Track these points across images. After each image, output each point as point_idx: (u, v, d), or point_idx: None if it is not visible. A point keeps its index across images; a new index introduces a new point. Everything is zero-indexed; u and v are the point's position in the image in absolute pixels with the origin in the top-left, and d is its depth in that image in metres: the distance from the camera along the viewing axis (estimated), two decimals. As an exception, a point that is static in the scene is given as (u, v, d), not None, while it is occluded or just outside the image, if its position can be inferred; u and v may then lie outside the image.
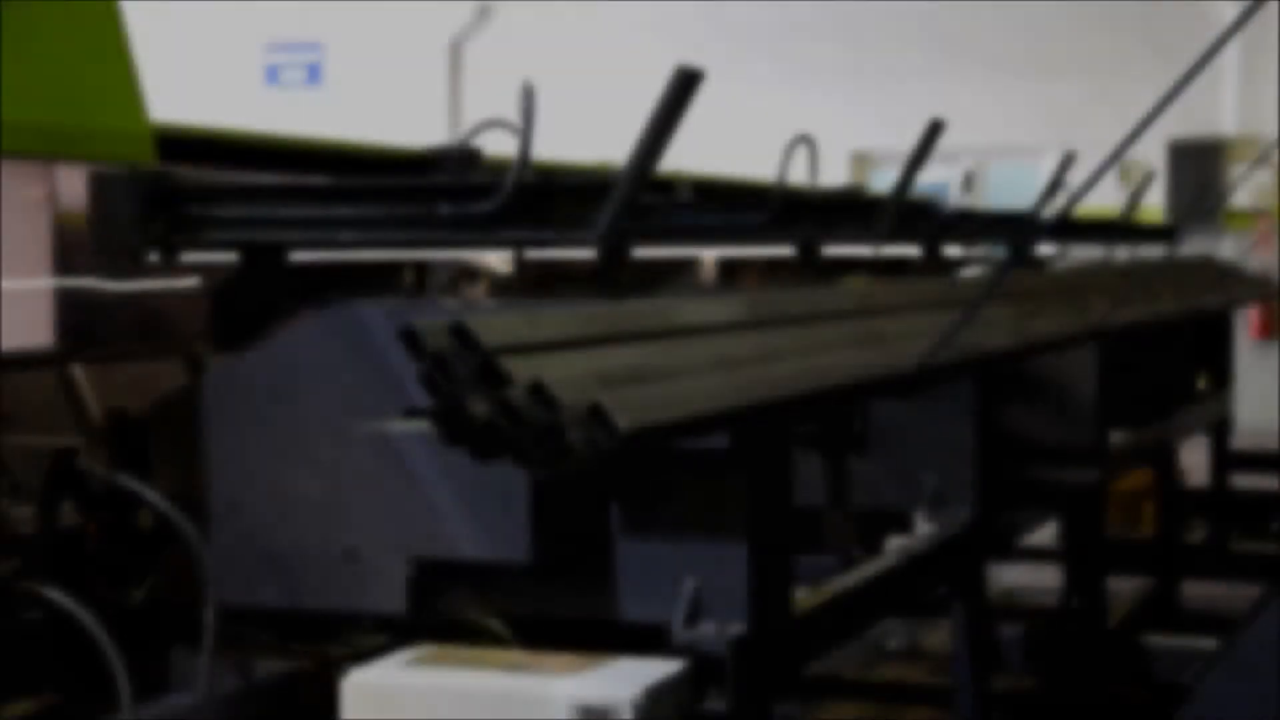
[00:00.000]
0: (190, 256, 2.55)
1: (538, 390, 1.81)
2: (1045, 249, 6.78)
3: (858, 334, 2.64)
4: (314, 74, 17.31)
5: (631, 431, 1.80)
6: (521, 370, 1.85)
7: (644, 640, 2.29)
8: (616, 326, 2.12)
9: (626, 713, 2.04)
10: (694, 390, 2.02)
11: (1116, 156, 2.14)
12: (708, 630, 2.23)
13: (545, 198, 2.33)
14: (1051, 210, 4.84)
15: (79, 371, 2.59)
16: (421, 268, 3.55)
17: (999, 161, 15.11)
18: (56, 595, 2.31)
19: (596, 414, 1.80)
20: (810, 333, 2.51)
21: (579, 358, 1.95)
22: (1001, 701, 4.21)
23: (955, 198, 4.65)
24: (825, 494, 3.43)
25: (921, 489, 3.32)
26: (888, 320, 2.85)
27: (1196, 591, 6.48)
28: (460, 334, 1.86)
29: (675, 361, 2.07)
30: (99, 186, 2.48)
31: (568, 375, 1.86)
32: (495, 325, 1.91)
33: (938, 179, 13.50)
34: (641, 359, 2.03)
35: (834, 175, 12.28)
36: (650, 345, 2.11)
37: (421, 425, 2.23)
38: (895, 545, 3.20)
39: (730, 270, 5.02)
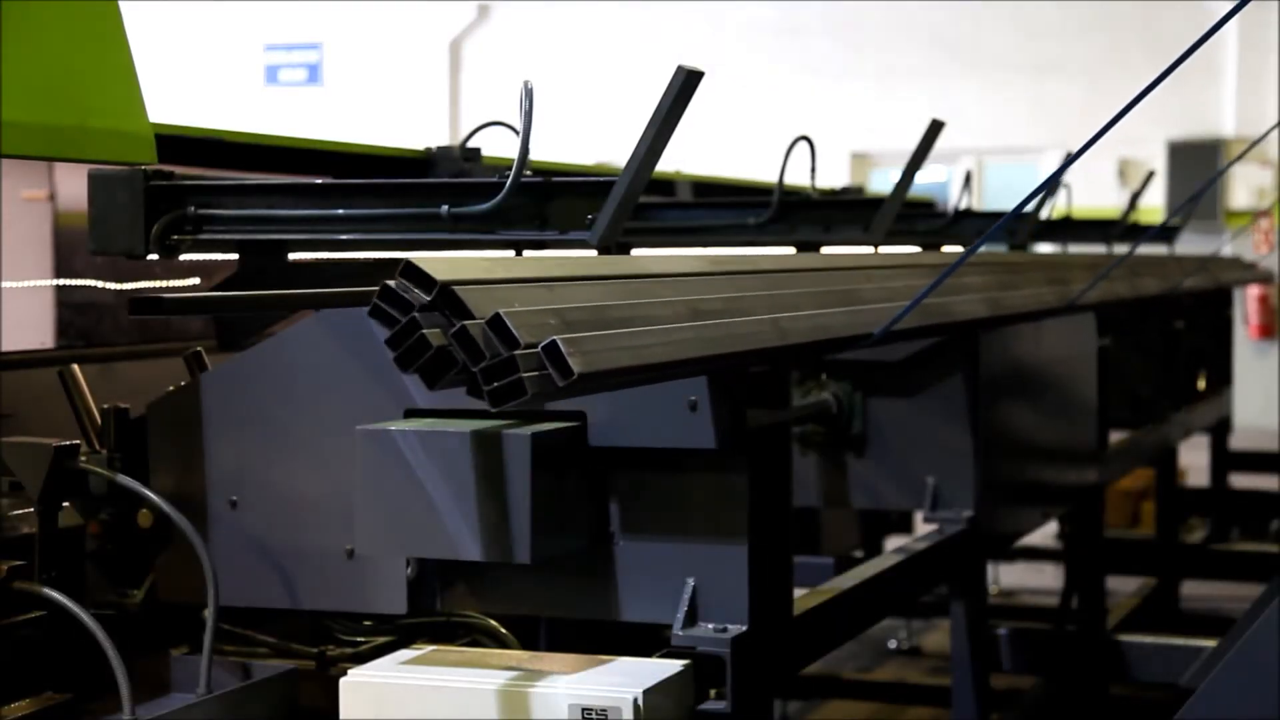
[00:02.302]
0: (190, 256, 2.55)
1: (496, 323, 1.81)
2: (1045, 248, 6.78)
3: (830, 294, 2.62)
4: (314, 74, 17.31)
5: (585, 373, 1.81)
6: (482, 304, 1.85)
7: (644, 640, 2.29)
8: (583, 272, 2.12)
9: (626, 713, 2.04)
10: (654, 337, 2.00)
11: (1105, 131, 2.13)
12: (708, 630, 2.23)
13: (545, 197, 2.32)
14: (1051, 199, 4.84)
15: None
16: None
17: (998, 161, 15.11)
18: (56, 595, 2.31)
19: (552, 353, 1.80)
20: (782, 290, 2.49)
21: (542, 296, 1.95)
22: (1001, 701, 4.21)
23: (955, 198, 4.67)
24: (825, 494, 3.43)
25: (921, 489, 3.32)
26: (863, 283, 2.84)
27: (1196, 591, 6.48)
28: (412, 273, 1.87)
29: (639, 308, 2.06)
30: (99, 186, 2.48)
31: (528, 313, 1.86)
32: (452, 262, 1.91)
33: (938, 179, 13.51)
34: (604, 303, 2.02)
35: (834, 175, 12.30)
36: (615, 290, 2.10)
37: (422, 425, 2.24)
38: (895, 545, 3.20)
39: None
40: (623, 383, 2.03)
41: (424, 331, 1.87)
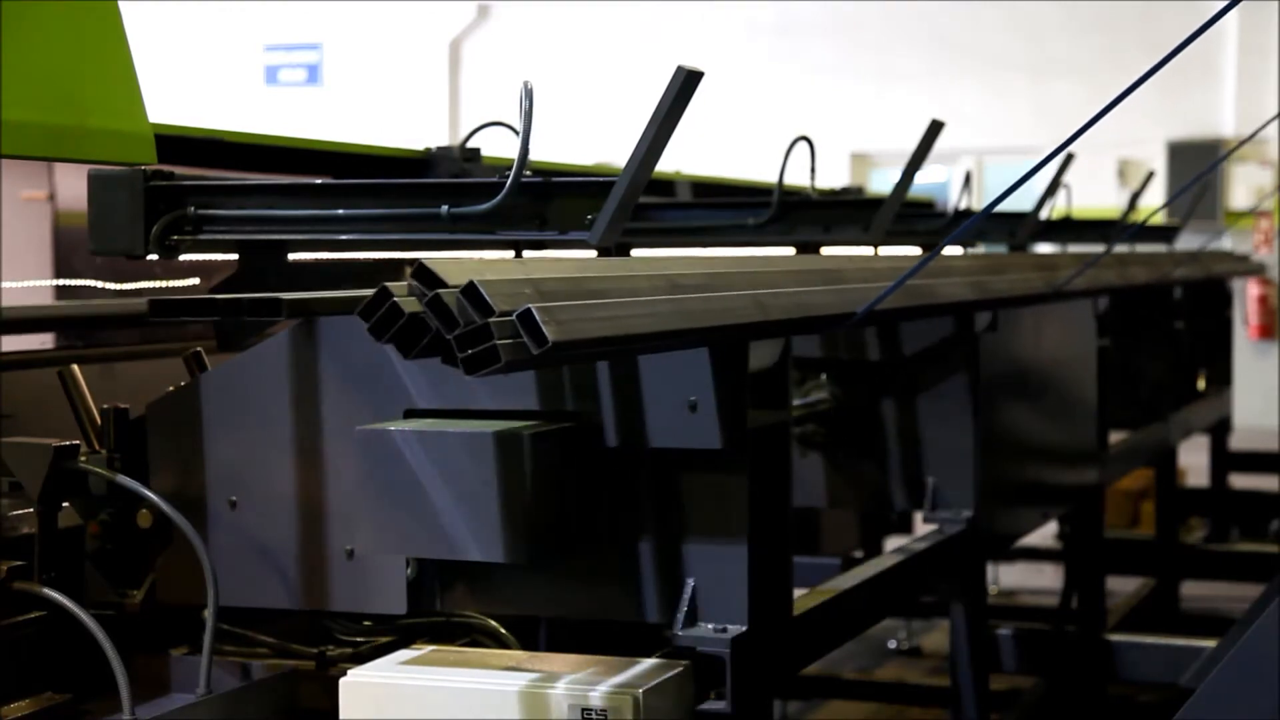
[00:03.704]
0: (190, 256, 2.55)
1: (470, 291, 1.81)
2: (1045, 248, 6.78)
3: (812, 274, 2.61)
4: (314, 74, 17.31)
5: (560, 342, 1.79)
6: (456, 275, 1.85)
7: (644, 640, 2.29)
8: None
9: (626, 713, 2.04)
10: (632, 309, 1.99)
11: (1093, 122, 2.12)
12: (707, 630, 2.23)
13: (545, 197, 2.32)
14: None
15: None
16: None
17: (998, 161, 15.11)
18: (56, 595, 2.31)
19: (527, 321, 1.79)
20: (763, 269, 2.48)
21: (516, 269, 1.94)
22: (1001, 701, 4.21)
23: (955, 198, 4.69)
24: (825, 494, 3.43)
25: (921, 489, 3.32)
26: (846, 265, 2.83)
27: (1196, 591, 6.48)
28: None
29: (616, 281, 2.05)
30: (99, 186, 2.48)
31: (502, 282, 1.85)
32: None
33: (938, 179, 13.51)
34: (580, 275, 2.01)
35: (834, 175, 12.30)
36: (591, 265, 2.08)
37: (422, 425, 2.24)
38: (895, 545, 3.20)
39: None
40: (600, 354, 2.02)
41: (396, 299, 1.86)
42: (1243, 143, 4.10)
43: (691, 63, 2.12)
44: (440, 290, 1.83)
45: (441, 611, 2.44)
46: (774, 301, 2.33)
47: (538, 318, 1.78)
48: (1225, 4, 2.07)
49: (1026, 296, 3.58)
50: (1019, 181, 2.27)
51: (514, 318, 1.79)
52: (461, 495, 2.17)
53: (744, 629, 2.23)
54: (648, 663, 2.18)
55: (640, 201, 2.46)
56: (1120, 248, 5.77)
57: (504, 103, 14.34)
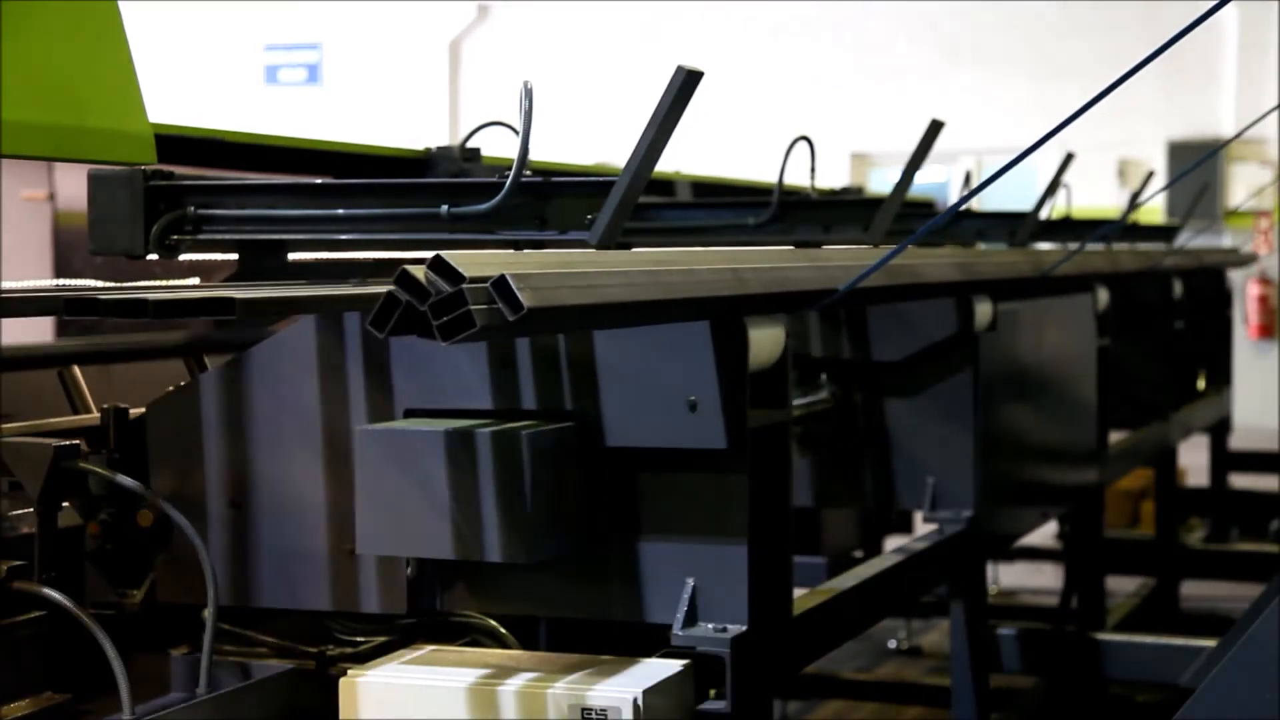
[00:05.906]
0: (190, 256, 2.55)
1: (437, 263, 1.80)
2: (1044, 247, 6.78)
3: (794, 253, 2.60)
4: (314, 74, 17.31)
5: (536, 308, 1.77)
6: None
7: (644, 640, 2.29)
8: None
9: (626, 713, 2.04)
10: (609, 279, 1.97)
11: (1062, 127, 2.12)
12: (707, 630, 2.23)
13: (545, 197, 2.32)
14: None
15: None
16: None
17: (998, 161, 15.09)
18: (56, 595, 2.31)
19: (501, 288, 1.77)
20: (746, 248, 2.48)
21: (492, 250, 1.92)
22: (1001, 701, 4.21)
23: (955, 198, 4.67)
24: (825, 494, 3.43)
25: (921, 489, 3.32)
26: (832, 249, 2.82)
27: (1196, 591, 6.48)
28: None
29: (593, 256, 2.03)
30: (99, 186, 2.48)
31: (471, 254, 1.82)
32: None
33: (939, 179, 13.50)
34: (554, 254, 1.99)
35: (834, 175, 12.30)
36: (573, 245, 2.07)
37: (422, 425, 2.24)
38: (895, 545, 3.20)
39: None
40: (577, 323, 2.00)
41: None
42: (1239, 134, 4.09)
43: (691, 63, 2.12)
44: (408, 265, 1.81)
45: (441, 611, 2.44)
46: (755, 276, 2.32)
47: (513, 284, 1.76)
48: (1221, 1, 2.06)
49: (1014, 280, 3.58)
50: (1005, 167, 2.26)
51: (489, 285, 1.77)
52: (461, 495, 2.17)
53: (744, 629, 2.23)
54: (647, 663, 2.18)
55: (640, 201, 2.46)
56: (1120, 246, 5.77)
57: (504, 103, 14.34)
